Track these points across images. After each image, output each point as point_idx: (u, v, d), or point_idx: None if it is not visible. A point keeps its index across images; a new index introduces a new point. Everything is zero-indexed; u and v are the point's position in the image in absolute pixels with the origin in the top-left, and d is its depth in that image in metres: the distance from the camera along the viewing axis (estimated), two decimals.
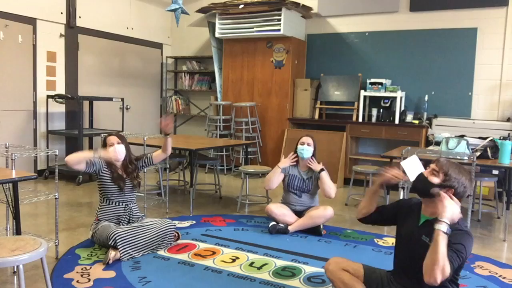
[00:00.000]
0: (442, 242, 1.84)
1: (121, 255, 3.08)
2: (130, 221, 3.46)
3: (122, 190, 3.42)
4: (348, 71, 6.58)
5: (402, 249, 2.21)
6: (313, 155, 3.98)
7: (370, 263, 2.47)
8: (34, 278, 2.79)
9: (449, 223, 1.87)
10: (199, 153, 5.33)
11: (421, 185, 2.11)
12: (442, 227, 1.85)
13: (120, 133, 3.84)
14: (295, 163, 4.04)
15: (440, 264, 1.81)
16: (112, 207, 3.42)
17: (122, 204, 3.45)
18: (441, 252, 1.83)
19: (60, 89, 6.24)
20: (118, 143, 3.45)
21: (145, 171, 4.02)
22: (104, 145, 3.47)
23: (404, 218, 2.24)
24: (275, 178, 3.98)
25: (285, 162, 4.00)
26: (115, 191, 3.41)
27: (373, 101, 6.23)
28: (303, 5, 6.38)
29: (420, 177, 2.14)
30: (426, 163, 2.40)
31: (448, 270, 1.82)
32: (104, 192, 3.42)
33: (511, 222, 4.46)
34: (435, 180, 2.06)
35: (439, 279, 1.82)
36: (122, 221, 3.41)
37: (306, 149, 3.92)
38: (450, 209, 1.91)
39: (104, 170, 3.42)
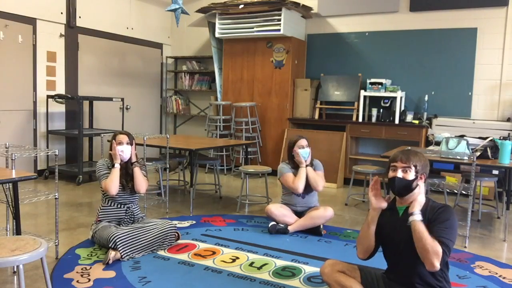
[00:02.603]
0: (421, 229, 1.98)
1: (122, 255, 3.08)
2: (133, 222, 3.46)
3: (125, 189, 3.42)
4: (348, 71, 6.59)
5: (391, 246, 2.23)
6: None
7: (370, 263, 2.47)
8: (34, 278, 2.79)
9: (420, 212, 2.04)
10: (199, 153, 5.33)
11: (405, 187, 2.14)
12: (417, 217, 2.02)
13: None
14: (292, 166, 4.01)
15: (429, 249, 1.95)
16: (114, 208, 3.42)
17: (124, 207, 3.44)
18: (425, 237, 1.97)
19: (60, 89, 6.24)
20: (127, 143, 3.43)
21: None
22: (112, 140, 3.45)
23: (383, 220, 2.23)
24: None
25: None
26: (119, 191, 3.38)
27: (373, 101, 6.23)
28: (303, 5, 6.38)
29: (398, 180, 2.13)
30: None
31: (439, 249, 1.94)
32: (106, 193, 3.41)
33: (511, 222, 4.46)
34: (411, 176, 2.13)
35: (436, 262, 1.94)
36: (123, 223, 3.41)
37: (305, 152, 3.93)
38: (421, 201, 2.09)
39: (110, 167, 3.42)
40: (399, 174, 2.13)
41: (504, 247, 3.80)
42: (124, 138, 3.43)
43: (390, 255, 2.26)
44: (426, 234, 1.97)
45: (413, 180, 2.12)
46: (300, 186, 3.85)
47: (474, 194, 4.55)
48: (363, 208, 4.96)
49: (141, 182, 3.44)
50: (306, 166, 3.90)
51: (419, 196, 2.11)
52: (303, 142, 3.94)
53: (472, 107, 5.88)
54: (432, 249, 1.94)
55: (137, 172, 3.44)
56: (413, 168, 2.12)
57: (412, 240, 2.02)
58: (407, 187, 2.13)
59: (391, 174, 2.17)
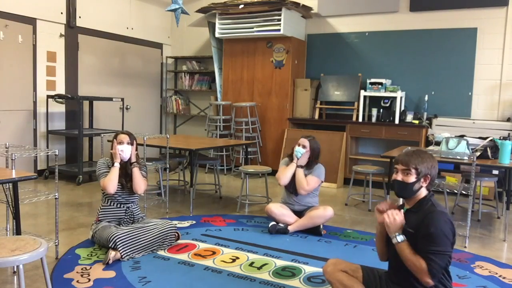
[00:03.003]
0: (401, 250, 2.04)
1: (122, 255, 3.08)
2: (133, 222, 3.46)
3: (124, 188, 3.42)
4: (348, 71, 6.59)
5: (392, 247, 2.22)
6: (310, 156, 3.96)
7: (370, 263, 2.47)
8: (34, 278, 2.79)
9: (398, 234, 2.07)
10: (199, 153, 5.33)
11: (405, 190, 2.14)
12: (396, 240, 2.07)
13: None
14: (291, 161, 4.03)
15: (414, 267, 1.99)
16: (114, 208, 3.42)
17: (124, 207, 3.43)
18: (407, 259, 2.01)
19: (60, 89, 6.24)
20: (128, 143, 3.44)
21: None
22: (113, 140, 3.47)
23: None
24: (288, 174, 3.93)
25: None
26: (118, 190, 3.39)
27: (373, 101, 6.23)
28: (303, 5, 6.38)
29: (397, 183, 2.15)
30: None
31: (423, 265, 1.96)
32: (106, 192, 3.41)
33: (511, 222, 4.46)
34: (412, 178, 2.11)
35: (426, 278, 1.97)
36: (123, 223, 3.41)
37: (299, 151, 3.92)
38: (393, 225, 2.09)
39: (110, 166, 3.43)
40: (399, 177, 2.14)
41: (504, 247, 3.80)
42: (125, 138, 3.44)
43: (391, 256, 2.26)
44: (406, 253, 2.01)
45: (413, 183, 2.11)
46: (282, 178, 3.90)
47: (474, 194, 4.55)
48: (363, 208, 4.96)
49: (139, 182, 3.44)
50: (299, 166, 3.91)
51: (393, 222, 2.09)
52: (303, 141, 3.97)
53: (472, 107, 5.88)
54: (416, 267, 1.98)
55: (136, 172, 3.44)
56: (413, 170, 2.10)
57: (411, 245, 2.05)
58: (407, 190, 2.13)
59: (393, 176, 2.20)
